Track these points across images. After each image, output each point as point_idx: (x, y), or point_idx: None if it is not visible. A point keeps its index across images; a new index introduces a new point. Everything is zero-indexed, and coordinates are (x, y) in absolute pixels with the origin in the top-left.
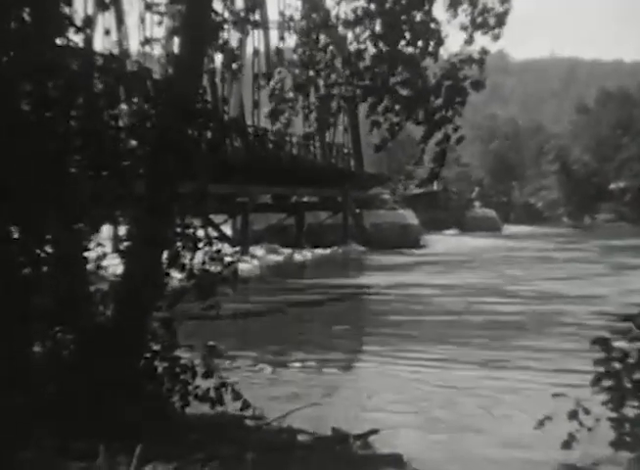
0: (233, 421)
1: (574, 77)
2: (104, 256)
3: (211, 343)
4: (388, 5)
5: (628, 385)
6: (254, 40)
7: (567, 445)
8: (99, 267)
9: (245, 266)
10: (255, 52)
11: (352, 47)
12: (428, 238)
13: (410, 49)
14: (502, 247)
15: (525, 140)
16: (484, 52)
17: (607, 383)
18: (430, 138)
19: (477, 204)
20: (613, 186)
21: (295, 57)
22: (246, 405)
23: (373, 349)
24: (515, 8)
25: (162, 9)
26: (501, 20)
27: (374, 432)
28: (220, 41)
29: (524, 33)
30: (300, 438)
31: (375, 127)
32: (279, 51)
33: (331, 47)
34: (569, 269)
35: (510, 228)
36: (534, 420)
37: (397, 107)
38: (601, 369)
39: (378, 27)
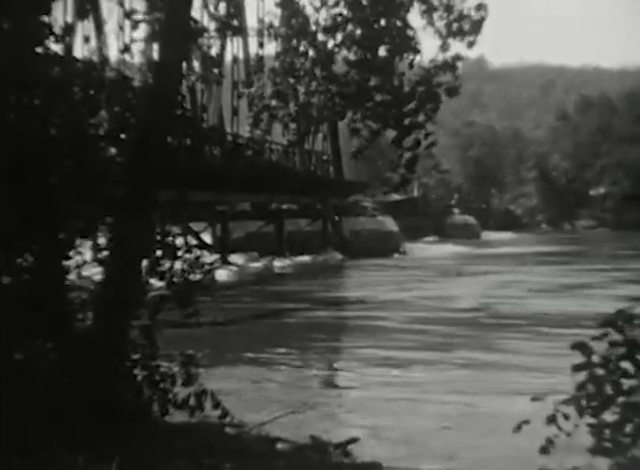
0: (212, 429)
1: (554, 84)
2: (83, 264)
3: (190, 352)
4: (366, 11)
5: (609, 391)
6: (234, 47)
7: (544, 450)
8: (79, 276)
9: (224, 274)
10: (235, 59)
11: (330, 53)
12: (408, 245)
13: (387, 55)
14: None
15: (504, 147)
16: (458, 58)
17: (586, 390)
18: (400, 142)
19: (456, 210)
20: (593, 192)
21: (276, 64)
22: (225, 413)
23: (350, 356)
24: (495, 15)
25: (142, 16)
26: (477, 27)
27: (353, 440)
28: (199, 48)
29: (503, 40)
30: (279, 446)
31: (355, 135)
32: (259, 58)
33: (311, 54)
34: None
35: (489, 235)
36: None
37: (374, 114)
38: (579, 375)
39: (356, 33)
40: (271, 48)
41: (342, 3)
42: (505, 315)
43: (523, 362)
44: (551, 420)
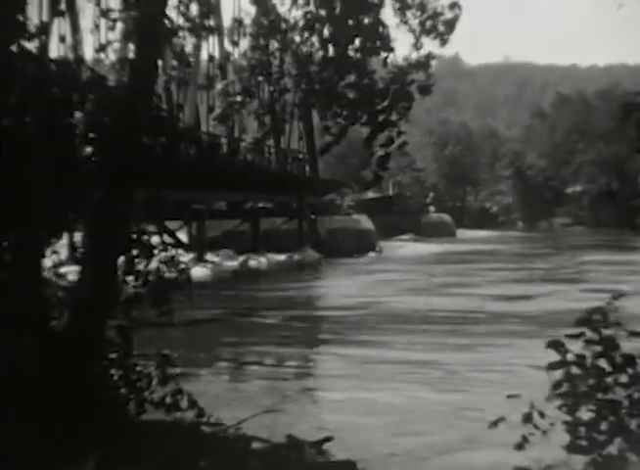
0: (189, 428)
1: (529, 82)
2: (60, 263)
3: (165, 351)
4: (337, 10)
5: (584, 388)
6: (209, 46)
7: (520, 446)
8: (56, 275)
9: (200, 273)
10: (211, 58)
11: (302, 51)
12: (383, 244)
13: (358, 53)
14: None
15: (479, 145)
16: (431, 57)
17: (561, 388)
18: (373, 140)
19: (431, 208)
20: (569, 190)
21: (244, 62)
22: (201, 413)
23: (324, 355)
24: (469, 14)
25: (117, 15)
26: (450, 25)
27: (328, 439)
28: (175, 47)
29: (477, 39)
30: (255, 445)
31: (326, 132)
32: (226, 56)
33: (281, 52)
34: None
35: (464, 233)
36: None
37: (345, 112)
38: (554, 373)
39: (327, 32)
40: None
41: (312, 1)
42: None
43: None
44: (527, 418)
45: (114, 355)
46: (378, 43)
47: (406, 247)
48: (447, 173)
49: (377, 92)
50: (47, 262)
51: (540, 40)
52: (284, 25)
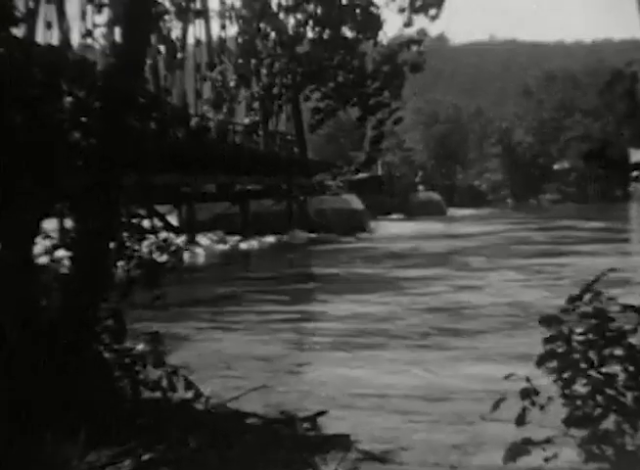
0: (181, 405)
1: (515, 60)
2: (53, 248)
3: (155, 330)
4: None
5: (583, 365)
6: (196, 30)
7: (520, 420)
8: (52, 259)
9: (191, 255)
10: (197, 42)
11: (291, 32)
12: (373, 223)
13: (349, 33)
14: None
15: (467, 123)
16: (423, 33)
17: (553, 362)
18: (364, 121)
19: (421, 187)
20: (557, 166)
21: (237, 46)
22: (198, 395)
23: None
24: None
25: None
26: (439, 1)
27: (321, 413)
28: (162, 31)
29: (463, 18)
30: (248, 421)
31: (316, 114)
32: (222, 41)
33: (273, 35)
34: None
35: (454, 211)
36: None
37: (337, 93)
38: (549, 347)
39: (318, 12)
40: (234, 30)
41: None
42: None
43: None
44: (525, 394)
45: (107, 339)
46: (369, 23)
47: (396, 226)
48: (436, 152)
49: (368, 74)
50: (39, 247)
51: (525, 17)
52: (275, 8)
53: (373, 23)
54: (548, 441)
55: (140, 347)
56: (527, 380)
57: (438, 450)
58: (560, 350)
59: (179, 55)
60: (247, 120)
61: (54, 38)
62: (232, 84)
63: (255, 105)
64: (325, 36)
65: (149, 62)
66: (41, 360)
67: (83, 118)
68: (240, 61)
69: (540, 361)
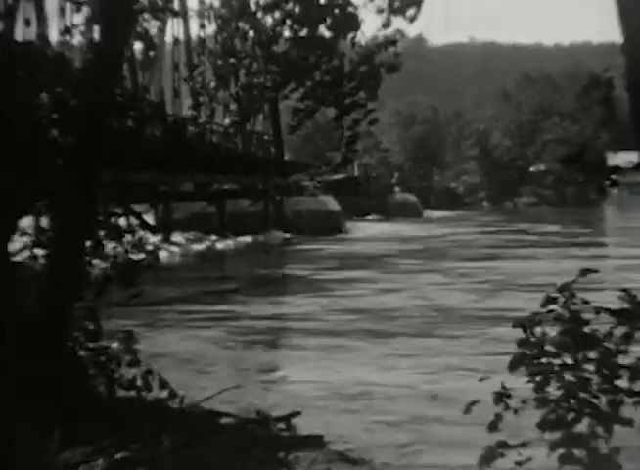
0: (155, 404)
1: (493, 62)
2: (31, 246)
3: (128, 328)
4: None
5: (556, 368)
6: (174, 29)
7: (493, 426)
8: (31, 257)
9: (167, 255)
10: (175, 41)
11: (269, 31)
12: (349, 224)
13: (327, 33)
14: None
15: (445, 125)
16: (400, 34)
17: (526, 366)
18: (340, 121)
19: (397, 189)
20: (533, 169)
21: (216, 46)
22: (173, 394)
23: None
24: None
25: None
26: (418, 2)
27: (295, 414)
28: (139, 29)
29: (441, 20)
30: (223, 421)
31: (296, 115)
32: (202, 40)
33: (251, 34)
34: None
35: (430, 213)
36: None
37: (314, 94)
38: (522, 351)
39: (296, 10)
40: (212, 29)
41: None
42: None
43: None
44: (498, 399)
45: (82, 338)
46: (347, 23)
47: (372, 227)
48: (413, 154)
49: (345, 74)
50: (15, 245)
51: (504, 19)
52: (253, 7)
53: (351, 23)
54: (524, 444)
55: (115, 345)
56: (502, 385)
57: None
58: (530, 352)
59: (156, 53)
60: (227, 121)
61: (32, 35)
62: (212, 85)
63: (233, 106)
64: (302, 35)
65: (126, 60)
66: (15, 358)
67: (61, 115)
68: (219, 61)
69: (512, 366)
